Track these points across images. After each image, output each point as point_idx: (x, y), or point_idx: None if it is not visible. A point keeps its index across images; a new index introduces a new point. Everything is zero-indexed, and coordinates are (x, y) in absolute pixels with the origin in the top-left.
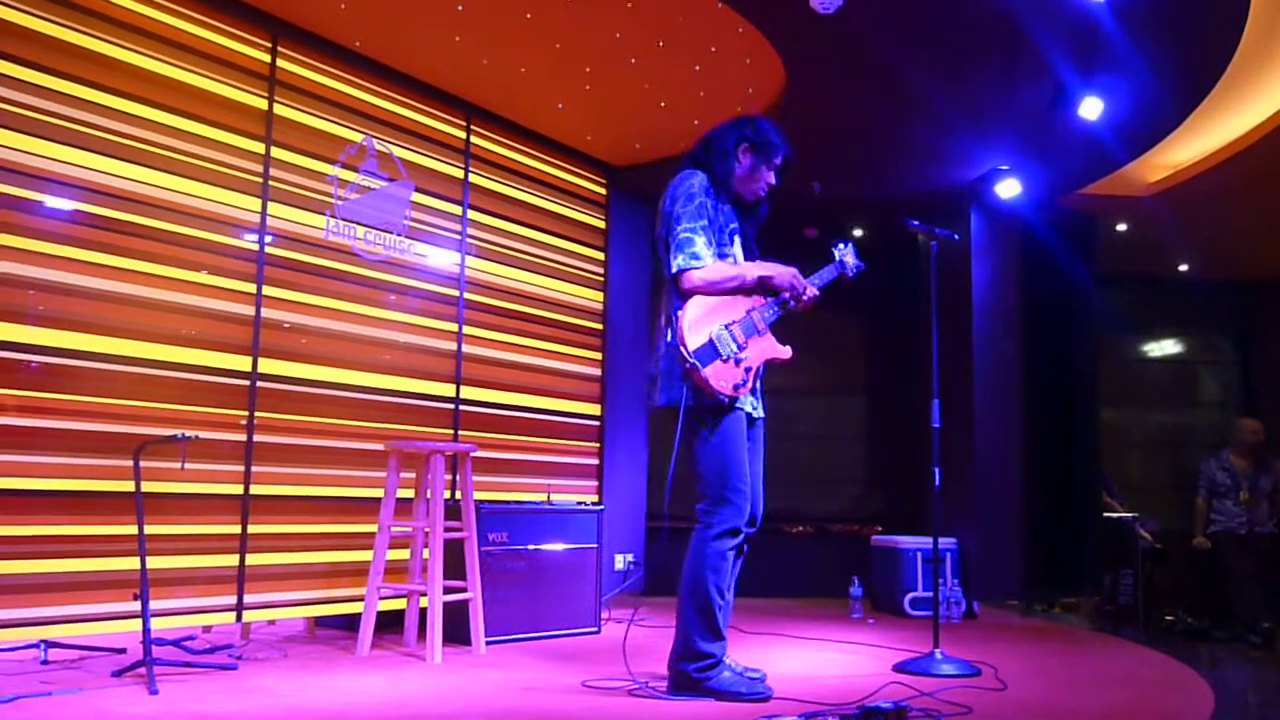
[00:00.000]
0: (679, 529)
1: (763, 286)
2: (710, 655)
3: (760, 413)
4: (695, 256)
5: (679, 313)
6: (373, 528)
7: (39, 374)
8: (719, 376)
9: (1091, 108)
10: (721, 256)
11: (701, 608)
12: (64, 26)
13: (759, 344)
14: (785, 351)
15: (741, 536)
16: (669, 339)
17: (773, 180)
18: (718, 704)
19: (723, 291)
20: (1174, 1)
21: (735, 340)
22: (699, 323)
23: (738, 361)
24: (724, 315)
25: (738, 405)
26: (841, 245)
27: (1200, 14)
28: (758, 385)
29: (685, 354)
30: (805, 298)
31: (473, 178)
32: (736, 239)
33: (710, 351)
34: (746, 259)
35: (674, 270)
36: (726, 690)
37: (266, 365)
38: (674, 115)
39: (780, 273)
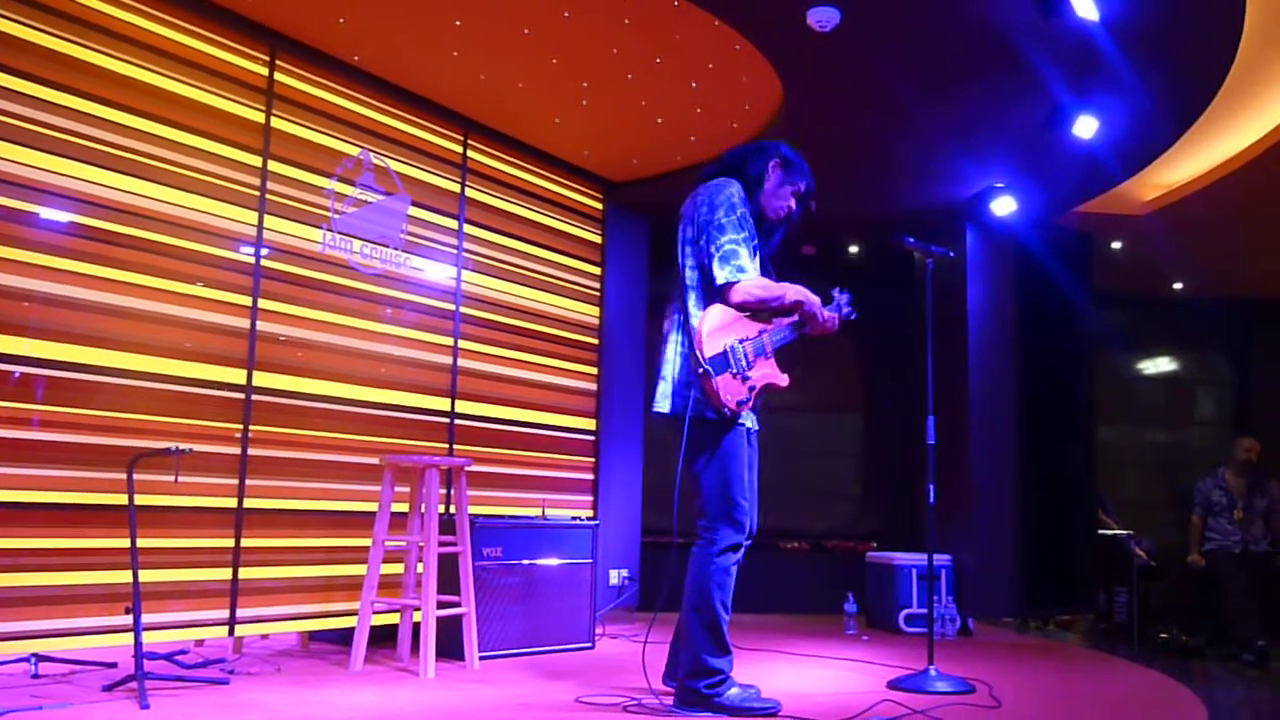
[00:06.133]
0: (666, 545)
1: (793, 309)
2: (720, 671)
3: (755, 425)
4: (742, 269)
5: (698, 318)
6: (367, 542)
7: (32, 386)
8: (727, 389)
9: (1086, 126)
10: None
11: (709, 623)
12: (62, 39)
13: (764, 366)
14: (784, 379)
15: (742, 551)
16: (682, 344)
17: (793, 205)
18: None
19: (764, 306)
20: (1169, 20)
21: (746, 357)
22: (716, 333)
23: (745, 379)
24: (739, 331)
25: (740, 421)
26: (838, 292)
27: (1195, 33)
28: (756, 403)
29: (700, 358)
30: (830, 328)
31: (469, 192)
32: (756, 255)
33: (723, 362)
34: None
35: (721, 281)
36: (736, 707)
37: (261, 378)
38: (671, 131)
39: (811, 299)
